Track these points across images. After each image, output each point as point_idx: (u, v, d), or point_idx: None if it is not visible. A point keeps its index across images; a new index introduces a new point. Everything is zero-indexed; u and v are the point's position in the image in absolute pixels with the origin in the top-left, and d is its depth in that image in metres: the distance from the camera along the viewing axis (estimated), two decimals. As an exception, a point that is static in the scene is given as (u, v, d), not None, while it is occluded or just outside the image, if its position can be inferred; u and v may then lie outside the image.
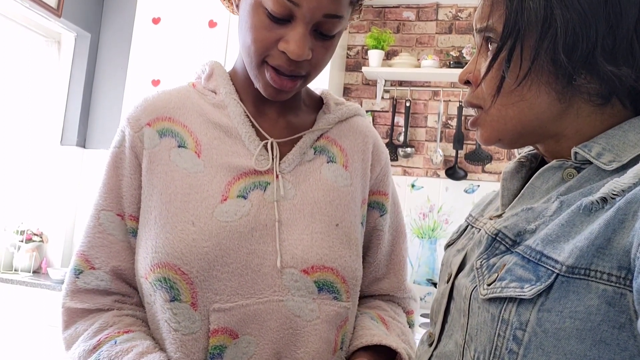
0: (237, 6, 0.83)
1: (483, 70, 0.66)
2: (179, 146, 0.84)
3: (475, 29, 0.68)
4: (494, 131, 0.67)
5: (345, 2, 0.76)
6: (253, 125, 0.86)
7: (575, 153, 0.61)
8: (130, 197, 0.85)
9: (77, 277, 0.84)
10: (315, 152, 0.89)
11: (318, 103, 0.96)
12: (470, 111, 2.98)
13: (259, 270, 0.79)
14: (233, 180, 0.82)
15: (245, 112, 0.86)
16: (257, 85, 0.82)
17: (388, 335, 0.86)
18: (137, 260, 0.84)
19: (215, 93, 0.88)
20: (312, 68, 0.80)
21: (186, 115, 0.86)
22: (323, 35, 0.77)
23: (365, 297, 0.98)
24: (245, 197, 0.81)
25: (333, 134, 0.91)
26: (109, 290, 0.85)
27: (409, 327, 0.98)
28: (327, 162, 0.89)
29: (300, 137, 0.88)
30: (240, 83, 0.89)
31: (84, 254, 0.85)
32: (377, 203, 0.95)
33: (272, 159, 0.84)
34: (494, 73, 0.65)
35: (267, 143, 0.85)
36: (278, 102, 0.88)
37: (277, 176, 0.84)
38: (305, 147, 0.87)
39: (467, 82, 0.70)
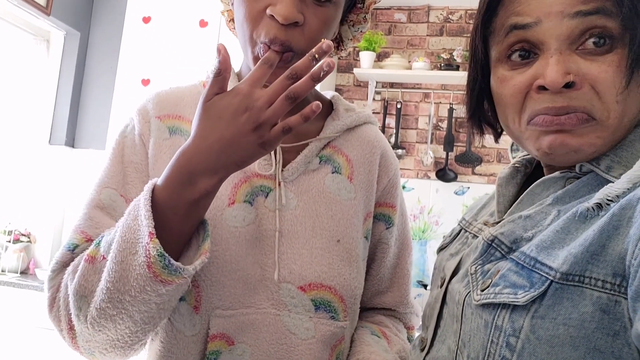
0: (233, 4, 0.82)
1: (610, 72, 0.56)
2: None
3: (568, 14, 0.57)
4: (604, 145, 0.59)
5: None
6: None
7: (581, 166, 0.61)
8: (139, 183, 0.82)
9: (73, 252, 0.77)
10: (320, 161, 0.86)
11: (327, 108, 0.92)
12: (460, 113, 2.99)
13: (260, 281, 0.78)
14: (239, 183, 0.80)
15: None
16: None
17: (388, 351, 0.84)
18: None
19: None
20: (306, 41, 0.74)
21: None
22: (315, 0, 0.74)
23: (367, 311, 0.96)
24: (251, 203, 0.80)
25: (340, 143, 0.89)
26: None
27: (409, 342, 0.96)
28: (332, 173, 0.86)
29: (306, 144, 0.85)
30: None
31: (78, 227, 0.79)
32: (383, 215, 0.93)
33: (275, 164, 0.82)
34: (619, 76, 0.56)
35: None
36: None
37: (279, 184, 0.82)
38: (310, 156, 0.85)
39: (567, 85, 0.58)
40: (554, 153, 0.60)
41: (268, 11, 0.73)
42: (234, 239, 0.77)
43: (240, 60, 0.91)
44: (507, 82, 0.63)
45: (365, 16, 0.87)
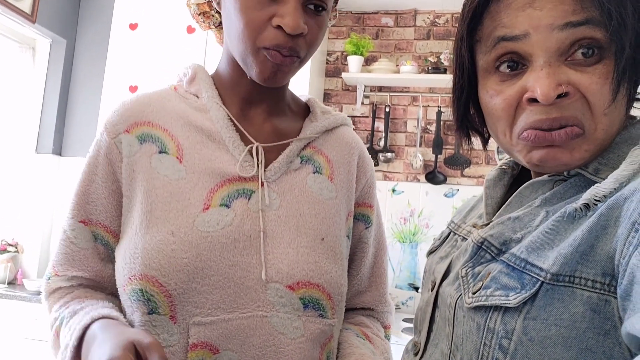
0: (219, 3, 0.82)
1: (600, 84, 0.56)
2: (160, 152, 0.81)
3: (557, 26, 0.57)
4: (592, 156, 0.59)
5: None
6: (237, 130, 0.84)
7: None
8: (100, 205, 0.83)
9: (49, 281, 0.88)
10: (301, 161, 0.86)
11: (304, 110, 0.94)
12: (448, 115, 3.00)
13: (242, 283, 0.76)
14: (216, 187, 0.80)
15: (228, 116, 0.84)
16: (252, 73, 0.79)
17: (375, 353, 0.85)
18: (116, 270, 0.81)
19: (198, 97, 0.86)
20: (308, 47, 0.78)
21: (166, 119, 0.84)
22: (314, 9, 0.77)
23: (347, 311, 0.96)
24: (228, 206, 0.79)
25: (319, 144, 0.89)
26: (79, 285, 0.87)
27: (387, 340, 0.98)
28: (313, 173, 0.86)
29: (287, 144, 0.85)
30: (224, 86, 0.87)
31: (52, 260, 0.88)
32: (362, 215, 0.94)
33: (257, 164, 0.82)
34: (607, 87, 0.56)
35: (252, 148, 0.82)
36: (264, 104, 0.87)
37: (262, 184, 0.81)
38: (292, 156, 0.85)
39: (559, 96, 0.57)
40: (544, 166, 0.61)
41: (275, 22, 0.74)
42: (205, 244, 0.76)
43: (214, 65, 0.91)
44: (497, 96, 0.62)
45: (335, 14, 0.92)
